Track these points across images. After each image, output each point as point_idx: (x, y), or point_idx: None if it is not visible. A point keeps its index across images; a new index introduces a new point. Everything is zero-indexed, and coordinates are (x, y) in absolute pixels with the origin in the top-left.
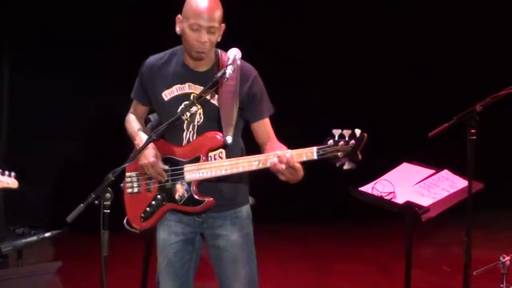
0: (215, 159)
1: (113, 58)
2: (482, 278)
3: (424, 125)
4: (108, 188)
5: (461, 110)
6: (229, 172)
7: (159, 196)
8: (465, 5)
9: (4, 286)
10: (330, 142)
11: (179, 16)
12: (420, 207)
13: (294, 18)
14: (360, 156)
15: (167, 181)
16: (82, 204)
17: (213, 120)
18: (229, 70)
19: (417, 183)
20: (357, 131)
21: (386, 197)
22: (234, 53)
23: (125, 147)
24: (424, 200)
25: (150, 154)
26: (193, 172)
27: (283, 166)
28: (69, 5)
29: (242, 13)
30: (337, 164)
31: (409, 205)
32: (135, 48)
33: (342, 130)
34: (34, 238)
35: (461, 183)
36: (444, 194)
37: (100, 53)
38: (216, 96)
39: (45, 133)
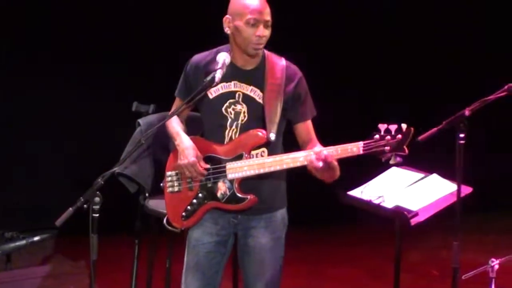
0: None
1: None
2: (471, 282)
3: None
4: (97, 192)
5: (450, 114)
6: (272, 169)
7: (200, 195)
8: (454, 9)
9: None
10: (376, 136)
11: (227, 16)
12: (409, 211)
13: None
14: (407, 151)
15: (208, 179)
16: (71, 208)
17: (257, 119)
18: (218, 75)
19: (406, 188)
20: (404, 126)
21: (375, 202)
22: (224, 58)
23: (118, 150)
24: (413, 204)
25: (190, 154)
26: (235, 170)
27: (320, 163)
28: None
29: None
30: (383, 159)
31: (398, 210)
32: (125, 50)
33: (388, 124)
34: (23, 242)
35: (450, 187)
36: (433, 198)
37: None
38: (262, 94)
39: (35, 134)
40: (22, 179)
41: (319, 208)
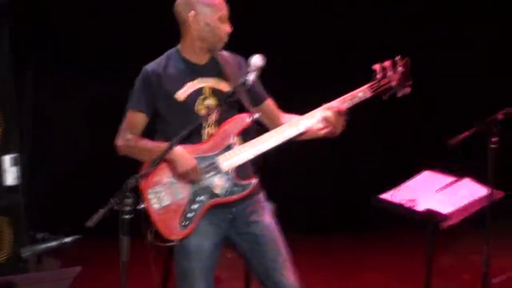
0: None
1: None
2: (502, 286)
3: (446, 133)
4: (128, 193)
5: (481, 117)
6: (272, 145)
7: (198, 198)
8: (486, 17)
9: None
10: (378, 76)
11: (193, 12)
12: (440, 215)
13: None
14: (411, 79)
15: (202, 180)
16: (102, 209)
17: (231, 107)
18: (251, 77)
19: (438, 191)
20: (397, 58)
21: (406, 205)
22: (257, 61)
23: None
24: (445, 208)
25: (189, 158)
26: (229, 160)
27: (334, 118)
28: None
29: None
30: (387, 96)
31: (429, 213)
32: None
33: (381, 63)
34: (54, 243)
35: (482, 191)
36: (465, 201)
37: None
38: (227, 83)
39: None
40: (54, 181)
41: (350, 213)
